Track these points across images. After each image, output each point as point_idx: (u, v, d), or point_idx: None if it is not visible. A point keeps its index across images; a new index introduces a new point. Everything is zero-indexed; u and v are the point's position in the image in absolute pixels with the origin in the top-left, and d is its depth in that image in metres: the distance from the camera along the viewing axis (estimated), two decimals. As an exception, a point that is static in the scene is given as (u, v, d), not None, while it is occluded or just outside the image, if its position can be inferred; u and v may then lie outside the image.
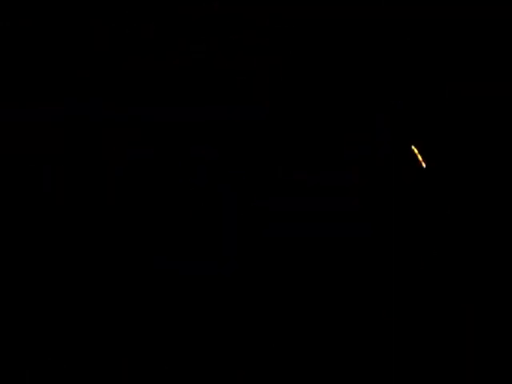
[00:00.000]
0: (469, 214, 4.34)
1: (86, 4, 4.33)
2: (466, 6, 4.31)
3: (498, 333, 4.18)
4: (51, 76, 4.37)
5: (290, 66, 4.43)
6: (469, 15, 4.33)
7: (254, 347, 4.29)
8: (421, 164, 4.34)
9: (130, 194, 4.40)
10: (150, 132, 4.38)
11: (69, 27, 4.35)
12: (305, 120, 4.49)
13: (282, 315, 4.37)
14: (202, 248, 4.40)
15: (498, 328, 4.19)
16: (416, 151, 4.21)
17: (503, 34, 4.37)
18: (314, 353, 4.27)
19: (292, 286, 4.43)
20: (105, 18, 4.35)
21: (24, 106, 4.28)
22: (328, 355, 4.25)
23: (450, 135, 4.40)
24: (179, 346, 4.29)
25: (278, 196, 4.48)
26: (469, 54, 4.38)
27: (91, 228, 4.41)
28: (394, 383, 4.22)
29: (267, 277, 4.43)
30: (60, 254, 4.37)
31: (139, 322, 4.30)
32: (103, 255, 4.33)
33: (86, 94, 4.36)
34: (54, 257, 4.36)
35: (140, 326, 4.30)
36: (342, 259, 4.38)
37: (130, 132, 4.38)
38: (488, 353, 4.16)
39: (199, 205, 4.43)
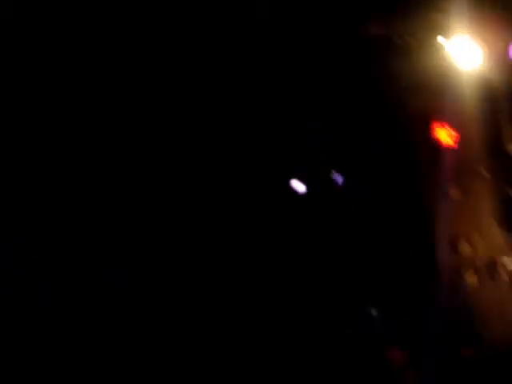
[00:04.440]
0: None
1: None
2: None
3: None
4: None
5: None
6: None
7: (253, 347, 4.30)
8: None
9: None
10: None
11: None
12: (304, 120, 4.51)
13: (281, 315, 4.39)
14: (202, 248, 4.41)
15: None
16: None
17: None
18: (314, 352, 4.29)
19: (290, 286, 4.45)
20: None
21: None
22: (329, 355, 4.27)
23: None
24: (179, 346, 4.30)
25: (279, 196, 4.49)
26: None
27: (91, 228, 4.41)
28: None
29: (266, 276, 4.45)
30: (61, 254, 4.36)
31: (139, 321, 4.32)
32: (103, 254, 4.33)
33: None
34: (54, 256, 4.36)
35: (140, 325, 4.31)
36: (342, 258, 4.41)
37: None
38: None
39: (203, 206, 4.43)
